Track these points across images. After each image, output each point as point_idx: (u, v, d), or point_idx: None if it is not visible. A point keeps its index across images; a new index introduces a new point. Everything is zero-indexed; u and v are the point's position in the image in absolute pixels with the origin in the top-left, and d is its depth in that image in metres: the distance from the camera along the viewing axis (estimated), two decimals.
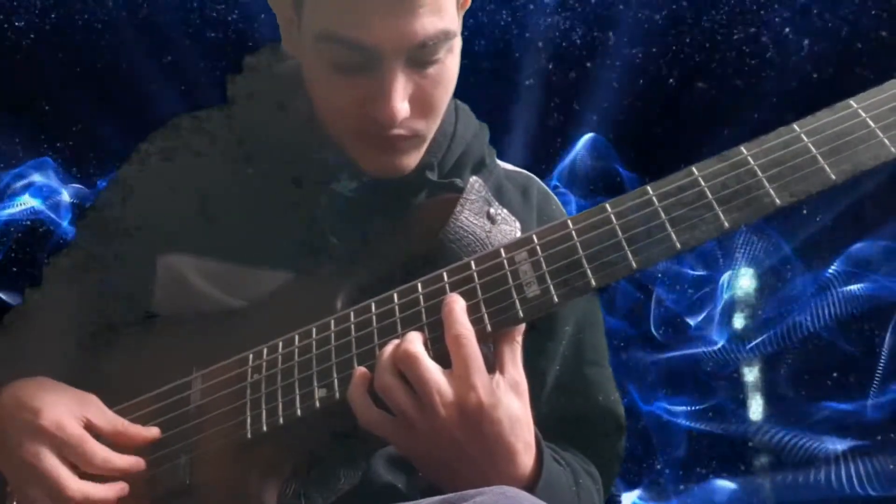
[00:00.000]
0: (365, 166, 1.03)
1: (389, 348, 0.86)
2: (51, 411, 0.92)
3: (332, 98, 1.01)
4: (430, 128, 1.02)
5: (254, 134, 1.11)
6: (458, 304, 0.86)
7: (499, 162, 1.20)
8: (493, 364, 0.86)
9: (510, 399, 0.84)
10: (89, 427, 0.94)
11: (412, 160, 1.03)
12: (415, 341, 0.85)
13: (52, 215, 2.87)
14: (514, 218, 1.05)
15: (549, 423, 1.05)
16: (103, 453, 0.92)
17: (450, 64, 0.99)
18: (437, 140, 1.08)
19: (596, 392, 1.12)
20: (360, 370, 0.87)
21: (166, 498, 0.94)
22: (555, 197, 1.21)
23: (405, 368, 0.84)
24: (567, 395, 1.10)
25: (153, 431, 0.96)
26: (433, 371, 0.83)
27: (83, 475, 0.92)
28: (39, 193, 2.84)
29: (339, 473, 0.96)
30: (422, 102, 0.98)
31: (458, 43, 1.00)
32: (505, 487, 0.80)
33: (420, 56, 0.95)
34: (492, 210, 1.02)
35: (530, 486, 0.86)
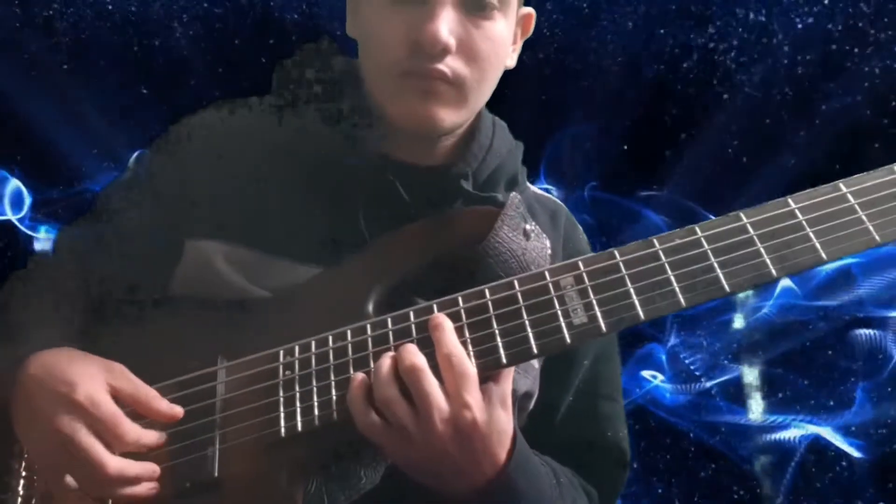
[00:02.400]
0: (400, 118, 1.04)
1: (388, 361, 0.89)
2: (85, 385, 0.92)
3: (383, 33, 1.03)
4: (471, 81, 1.03)
5: (298, 125, 1.11)
6: (447, 323, 0.90)
7: (528, 185, 1.22)
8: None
9: (499, 413, 0.88)
10: (115, 393, 0.94)
11: (448, 115, 1.04)
12: (417, 354, 0.88)
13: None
14: (544, 235, 1.07)
15: (557, 451, 1.09)
16: (135, 432, 0.93)
17: (500, 31, 1.04)
18: (473, 151, 1.11)
19: (606, 426, 1.15)
20: (359, 376, 0.90)
21: (194, 488, 0.94)
22: (581, 228, 1.24)
23: (410, 381, 0.87)
24: (578, 426, 1.14)
25: (177, 410, 0.96)
26: (435, 386, 0.86)
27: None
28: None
29: (360, 472, 0.97)
30: (468, 48, 1.01)
31: (509, 28, 1.06)
32: None
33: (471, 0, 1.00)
34: (527, 227, 1.04)
35: (503, 467, 0.90)
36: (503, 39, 1.05)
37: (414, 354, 0.88)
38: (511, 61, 1.13)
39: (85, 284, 1.10)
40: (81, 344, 1.02)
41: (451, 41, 0.99)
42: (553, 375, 1.11)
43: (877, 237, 0.83)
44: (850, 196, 0.85)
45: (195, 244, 1.06)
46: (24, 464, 1.00)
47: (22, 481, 1.00)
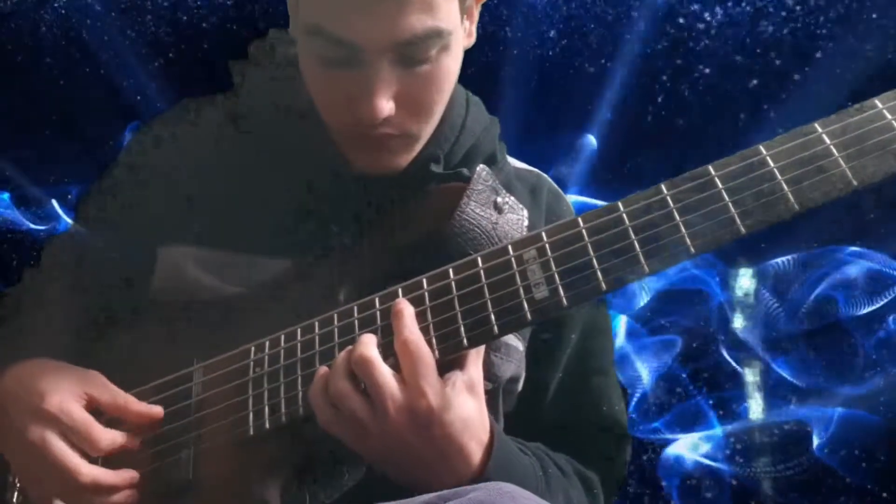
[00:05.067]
0: (355, 163, 1.01)
1: (343, 354, 0.85)
2: (55, 394, 0.92)
3: (321, 93, 0.99)
4: (422, 128, 1.00)
5: (256, 120, 1.09)
6: (407, 309, 0.86)
7: (510, 159, 1.16)
8: (455, 361, 0.85)
9: (462, 400, 0.84)
10: (92, 403, 0.93)
11: (403, 159, 1.01)
12: (369, 345, 0.84)
13: None
14: (521, 206, 1.02)
15: (551, 431, 1.04)
16: (109, 436, 0.92)
17: (445, 63, 0.96)
18: (445, 133, 1.06)
19: (600, 401, 1.10)
20: (322, 369, 0.87)
21: (169, 492, 0.93)
22: (565, 197, 1.19)
23: (360, 373, 0.83)
24: (571, 403, 1.09)
25: (156, 409, 0.95)
26: (387, 376, 0.82)
27: (90, 459, 0.91)
28: None
29: (342, 469, 0.94)
30: (411, 102, 0.95)
31: (457, 41, 0.97)
32: (501, 483, 0.81)
33: (408, 54, 0.92)
34: (499, 199, 0.99)
35: (480, 468, 0.86)
36: (448, 71, 0.97)
37: (365, 346, 0.84)
38: (470, 39, 1.05)
39: (70, 297, 1.11)
40: (68, 355, 1.02)
41: (392, 108, 0.94)
42: (540, 354, 1.06)
43: (854, 181, 0.75)
44: (825, 137, 0.78)
45: (166, 251, 1.04)
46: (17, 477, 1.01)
47: (16, 494, 1.01)
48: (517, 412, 1.05)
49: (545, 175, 1.19)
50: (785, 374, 3.06)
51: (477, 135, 1.09)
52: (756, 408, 3.13)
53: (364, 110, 0.93)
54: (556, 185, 1.19)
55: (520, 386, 1.05)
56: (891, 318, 2.93)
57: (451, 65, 0.97)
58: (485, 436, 0.87)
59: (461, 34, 0.99)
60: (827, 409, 3.01)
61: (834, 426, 2.98)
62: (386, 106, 0.93)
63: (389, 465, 0.86)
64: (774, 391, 3.09)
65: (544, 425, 1.06)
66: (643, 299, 3.16)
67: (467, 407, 0.84)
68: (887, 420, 2.88)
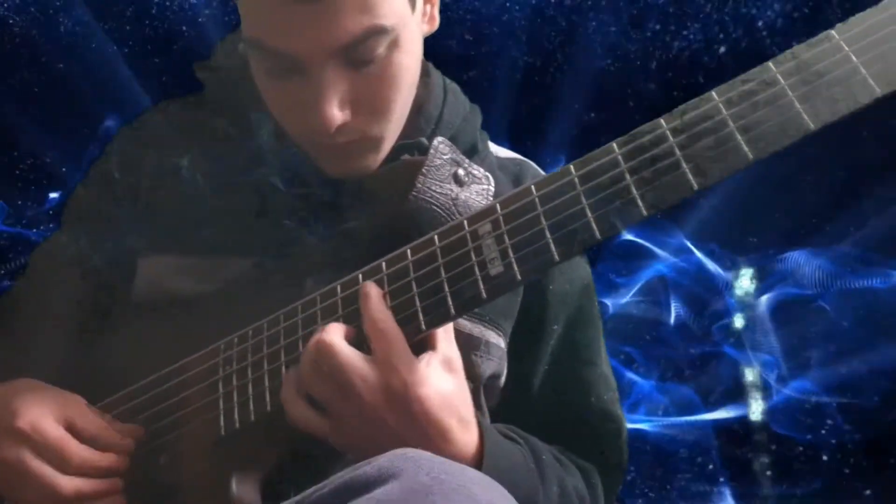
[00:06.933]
0: (325, 169, 0.98)
1: (309, 344, 0.82)
2: (28, 413, 0.91)
3: (273, 104, 0.95)
4: (384, 128, 0.95)
5: (224, 123, 1.06)
6: (373, 290, 0.82)
7: (493, 148, 1.11)
8: (426, 343, 0.82)
9: (439, 376, 0.80)
10: (72, 428, 0.92)
11: (372, 161, 0.97)
12: (330, 331, 0.81)
13: None
14: (486, 174, 0.98)
15: (538, 426, 1.00)
16: (82, 454, 0.90)
17: (397, 59, 0.91)
18: (420, 125, 1.01)
19: (588, 392, 1.05)
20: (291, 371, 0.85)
21: (151, 497, 0.92)
22: None
23: (321, 360, 0.80)
24: (557, 397, 1.04)
25: (137, 431, 0.94)
26: (351, 357, 0.79)
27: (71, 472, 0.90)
28: None
29: (325, 467, 0.92)
30: (367, 104, 0.91)
31: (409, 33, 0.92)
32: (406, 448, 0.77)
33: (353, 57, 0.88)
34: (460, 171, 0.96)
35: (476, 465, 0.82)
36: (401, 66, 0.92)
37: (326, 332, 0.81)
38: (432, 25, 1.00)
39: (55, 302, 1.10)
40: (52, 362, 1.02)
41: (346, 115, 0.89)
42: (522, 348, 1.02)
43: (811, 124, 0.69)
44: (780, 77, 0.72)
45: (144, 256, 1.03)
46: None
47: None
48: (502, 409, 1.02)
49: (530, 162, 1.13)
50: (770, 369, 3.07)
51: (456, 125, 1.04)
52: (745, 400, 3.12)
53: (316, 121, 0.89)
54: (541, 171, 1.13)
55: (502, 381, 1.02)
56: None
57: (405, 59, 0.92)
58: (467, 415, 0.83)
59: (414, 23, 0.94)
60: (801, 397, 3.05)
61: (810, 413, 3.03)
62: (338, 114, 0.89)
63: (370, 454, 0.84)
64: (761, 384, 3.10)
65: (531, 421, 1.01)
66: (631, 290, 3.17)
67: (445, 383, 0.80)
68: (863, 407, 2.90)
